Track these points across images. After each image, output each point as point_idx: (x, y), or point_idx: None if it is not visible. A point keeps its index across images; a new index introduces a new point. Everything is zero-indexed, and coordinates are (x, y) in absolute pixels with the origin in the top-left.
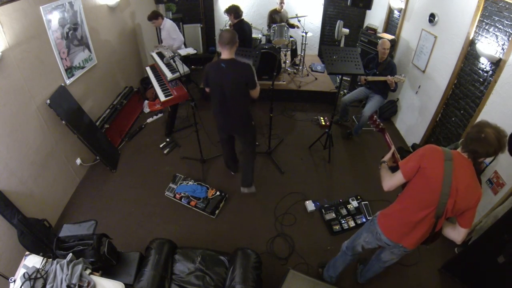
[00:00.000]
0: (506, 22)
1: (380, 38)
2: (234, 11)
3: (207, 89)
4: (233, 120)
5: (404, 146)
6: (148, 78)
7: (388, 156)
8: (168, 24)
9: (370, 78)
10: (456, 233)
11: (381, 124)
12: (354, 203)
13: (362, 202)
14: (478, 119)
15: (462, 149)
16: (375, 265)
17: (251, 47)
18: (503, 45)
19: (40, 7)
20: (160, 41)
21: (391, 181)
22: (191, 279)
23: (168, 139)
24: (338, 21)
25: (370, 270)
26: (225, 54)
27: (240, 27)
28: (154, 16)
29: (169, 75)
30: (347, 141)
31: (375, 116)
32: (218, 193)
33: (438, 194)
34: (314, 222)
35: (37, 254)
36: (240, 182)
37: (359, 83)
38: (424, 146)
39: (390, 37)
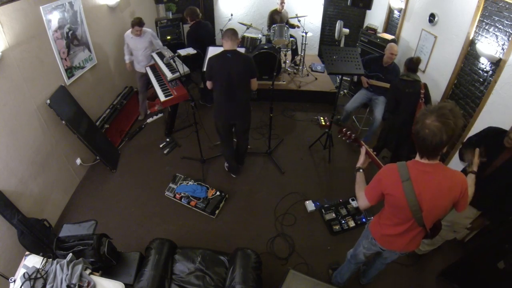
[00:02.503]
0: (506, 22)
1: (380, 38)
2: (189, 14)
3: (209, 83)
4: (238, 107)
5: None
6: (148, 78)
7: (361, 160)
8: (149, 30)
9: (374, 82)
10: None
11: (353, 134)
12: (354, 203)
13: None
14: (478, 119)
15: (420, 157)
16: (377, 262)
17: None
18: (503, 45)
19: (40, 7)
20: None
21: (363, 202)
22: (191, 279)
23: (168, 139)
24: (338, 21)
25: (373, 268)
26: (229, 45)
27: (194, 29)
28: (143, 22)
29: (169, 75)
30: (347, 141)
31: (344, 129)
32: (218, 193)
33: (409, 212)
34: (314, 222)
35: (37, 254)
36: (237, 178)
37: (355, 81)
38: (382, 168)
39: (390, 37)
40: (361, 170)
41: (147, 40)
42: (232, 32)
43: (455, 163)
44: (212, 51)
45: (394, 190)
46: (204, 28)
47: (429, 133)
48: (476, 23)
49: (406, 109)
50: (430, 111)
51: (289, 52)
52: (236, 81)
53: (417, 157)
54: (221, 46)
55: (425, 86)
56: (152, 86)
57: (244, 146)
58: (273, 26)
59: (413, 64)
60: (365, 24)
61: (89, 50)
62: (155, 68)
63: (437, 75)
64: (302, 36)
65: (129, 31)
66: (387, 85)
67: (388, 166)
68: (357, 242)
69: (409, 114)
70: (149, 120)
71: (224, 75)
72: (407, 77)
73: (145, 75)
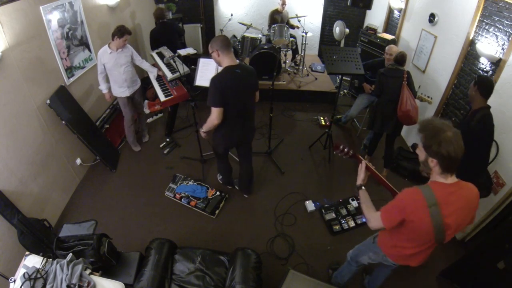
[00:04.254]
0: (506, 22)
1: (380, 38)
2: (155, 14)
3: (218, 110)
4: (249, 127)
5: (404, 146)
6: (148, 78)
7: (362, 177)
8: (130, 46)
9: None
10: None
11: (351, 151)
12: (354, 203)
13: None
14: None
15: (443, 177)
16: (386, 269)
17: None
18: (503, 45)
19: (40, 7)
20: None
21: (377, 225)
22: (191, 279)
23: (168, 139)
24: (338, 22)
25: (380, 275)
26: (231, 58)
27: (157, 29)
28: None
29: (169, 75)
30: (346, 141)
31: (341, 146)
32: (218, 193)
33: (433, 236)
34: (314, 222)
35: (37, 254)
36: (240, 187)
37: (357, 86)
38: (402, 192)
39: (390, 37)
40: (363, 188)
41: (128, 54)
42: (228, 41)
43: None
44: (204, 63)
45: (418, 216)
46: (167, 29)
47: (456, 148)
48: (476, 23)
49: (390, 91)
50: (443, 127)
51: (289, 52)
52: (248, 100)
53: (438, 179)
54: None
55: (408, 72)
56: (152, 87)
57: (251, 169)
58: (273, 26)
59: (399, 58)
60: (365, 24)
61: (89, 50)
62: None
63: (437, 75)
64: (302, 36)
65: (106, 46)
66: None
67: (410, 192)
68: (360, 250)
69: (393, 95)
70: (149, 120)
71: (239, 98)
72: (392, 67)
73: (131, 97)
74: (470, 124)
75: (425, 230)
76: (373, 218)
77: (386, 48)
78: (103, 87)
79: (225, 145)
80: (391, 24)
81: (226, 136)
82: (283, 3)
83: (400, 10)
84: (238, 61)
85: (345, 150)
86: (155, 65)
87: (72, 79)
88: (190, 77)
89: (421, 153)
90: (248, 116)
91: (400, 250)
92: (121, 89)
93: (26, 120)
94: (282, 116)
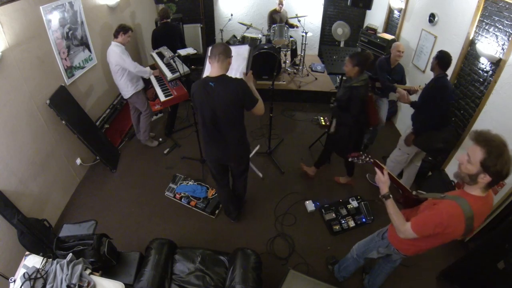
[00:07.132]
0: (506, 22)
1: (380, 38)
2: (160, 14)
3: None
4: (229, 149)
5: None
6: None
7: (387, 185)
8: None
9: (401, 86)
10: None
11: (368, 156)
12: (354, 203)
13: (362, 202)
14: (478, 119)
15: (486, 187)
16: (387, 266)
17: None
18: (503, 45)
19: (40, 7)
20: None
21: (405, 233)
22: (191, 279)
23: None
24: (339, 22)
25: (382, 273)
26: (215, 69)
27: (159, 29)
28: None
29: (169, 75)
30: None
31: (360, 152)
32: None
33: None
34: (314, 222)
35: (37, 254)
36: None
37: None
38: (440, 207)
39: (390, 37)
40: (391, 196)
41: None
42: (220, 50)
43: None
44: (205, 71)
45: (455, 229)
46: (170, 30)
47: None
48: (476, 23)
49: (363, 108)
50: (504, 144)
51: (289, 52)
52: (223, 118)
53: (477, 192)
54: None
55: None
56: (152, 87)
57: (241, 188)
58: (273, 26)
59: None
60: (365, 24)
61: (89, 50)
62: (155, 68)
63: None
64: (302, 36)
65: (118, 44)
66: (408, 87)
67: (449, 207)
68: (368, 248)
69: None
70: None
71: (206, 111)
72: (363, 82)
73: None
74: (428, 87)
75: (457, 237)
76: (406, 230)
77: (394, 45)
78: (146, 70)
79: (208, 160)
80: (391, 24)
81: (204, 150)
82: (280, 3)
83: (400, 10)
84: (226, 73)
85: (369, 157)
86: (155, 65)
87: (72, 79)
88: (189, 77)
89: (471, 167)
90: (222, 137)
91: (419, 247)
92: (139, 82)
93: (26, 120)
94: (282, 116)
